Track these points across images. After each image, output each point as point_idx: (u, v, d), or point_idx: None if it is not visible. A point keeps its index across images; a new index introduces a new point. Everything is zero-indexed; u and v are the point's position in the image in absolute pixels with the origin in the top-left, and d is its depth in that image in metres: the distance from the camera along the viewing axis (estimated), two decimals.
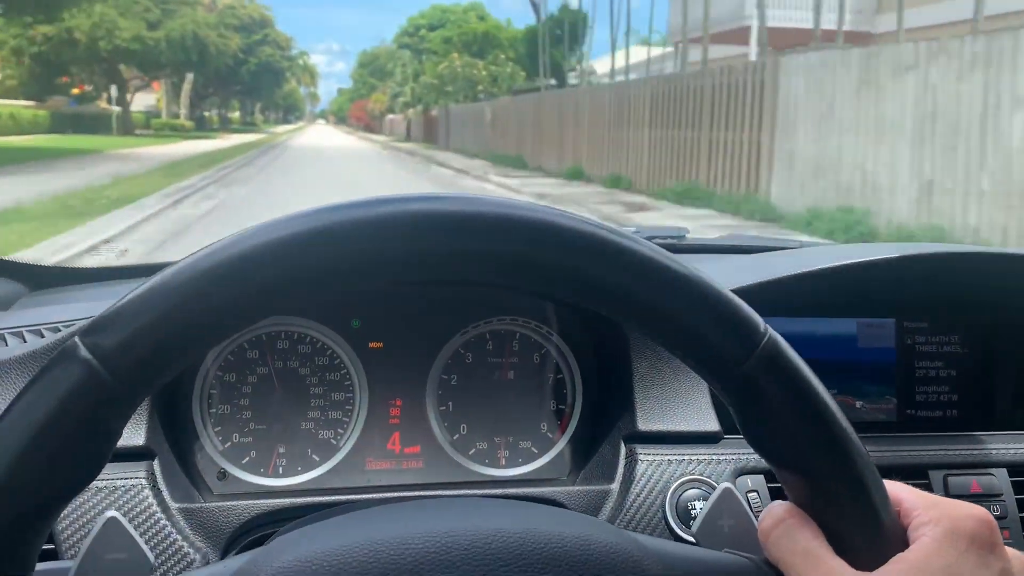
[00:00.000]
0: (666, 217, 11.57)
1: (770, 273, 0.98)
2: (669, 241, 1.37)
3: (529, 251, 0.47)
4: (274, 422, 0.95)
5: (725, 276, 0.95)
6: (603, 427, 0.98)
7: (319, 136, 60.20)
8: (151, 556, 0.58)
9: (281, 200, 11.61)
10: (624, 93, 16.48)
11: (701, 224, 9.81)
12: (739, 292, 0.50)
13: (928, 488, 0.93)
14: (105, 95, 42.66)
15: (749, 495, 0.88)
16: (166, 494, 0.83)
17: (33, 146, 26.36)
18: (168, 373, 0.46)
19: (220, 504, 0.86)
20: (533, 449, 0.99)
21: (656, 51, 23.27)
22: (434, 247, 0.46)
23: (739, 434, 0.52)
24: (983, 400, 1.08)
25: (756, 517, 0.59)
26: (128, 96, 44.06)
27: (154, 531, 0.80)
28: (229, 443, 0.94)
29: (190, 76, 50.68)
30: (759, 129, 11.42)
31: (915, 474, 0.94)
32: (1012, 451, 0.98)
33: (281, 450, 0.95)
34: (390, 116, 68.73)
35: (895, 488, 0.54)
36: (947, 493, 0.94)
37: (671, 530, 0.85)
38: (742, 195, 11.58)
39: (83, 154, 23.66)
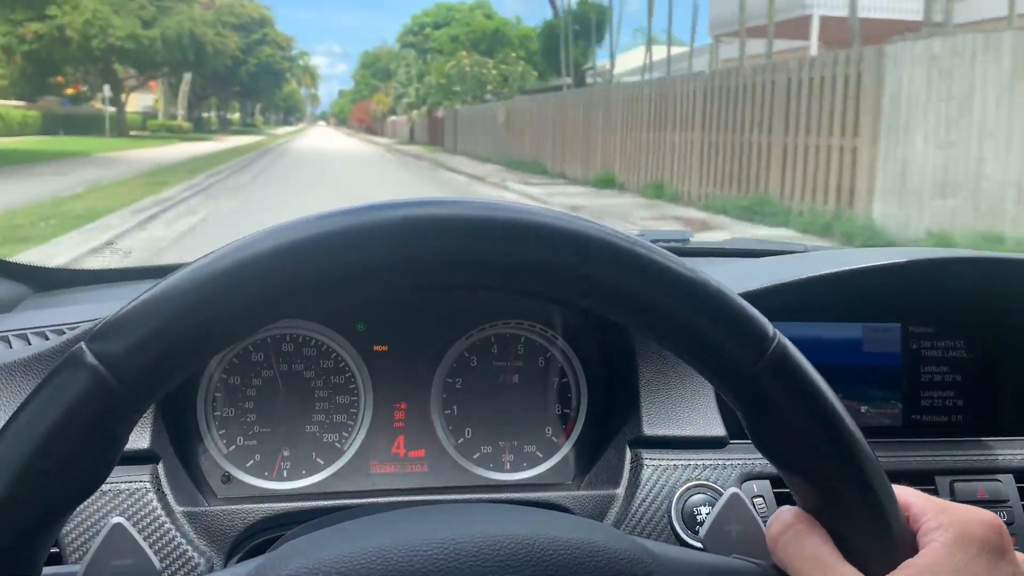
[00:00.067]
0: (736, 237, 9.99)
1: (776, 277, 0.98)
2: (673, 244, 1.37)
3: (538, 256, 0.47)
4: (278, 425, 0.95)
5: (731, 280, 0.95)
6: (608, 431, 0.98)
7: (320, 138, 59.36)
8: (157, 562, 0.58)
9: (272, 217, 9.61)
10: (667, 90, 14.27)
11: None
12: (745, 296, 0.50)
13: (935, 494, 0.93)
14: (100, 95, 41.29)
15: (755, 500, 0.88)
16: (170, 498, 0.83)
17: (16, 148, 24.75)
18: (175, 379, 0.46)
19: (224, 508, 0.86)
20: (538, 453, 0.99)
21: (672, 49, 22.24)
22: (444, 251, 0.46)
23: (745, 439, 0.52)
24: (989, 405, 1.07)
25: (763, 523, 0.59)
26: (123, 96, 42.81)
27: (158, 535, 0.80)
28: (233, 446, 0.94)
29: (188, 76, 49.37)
30: (854, 133, 9.37)
31: (921, 480, 0.94)
32: (1019, 457, 0.98)
33: (285, 453, 0.95)
34: (392, 118, 67.63)
35: (904, 493, 0.54)
36: (953, 499, 0.94)
37: (676, 535, 0.85)
38: (831, 212, 9.51)
39: (68, 157, 22.11)
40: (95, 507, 0.79)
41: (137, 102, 60.21)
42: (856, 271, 0.97)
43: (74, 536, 0.77)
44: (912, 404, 1.06)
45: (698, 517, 0.85)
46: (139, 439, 0.84)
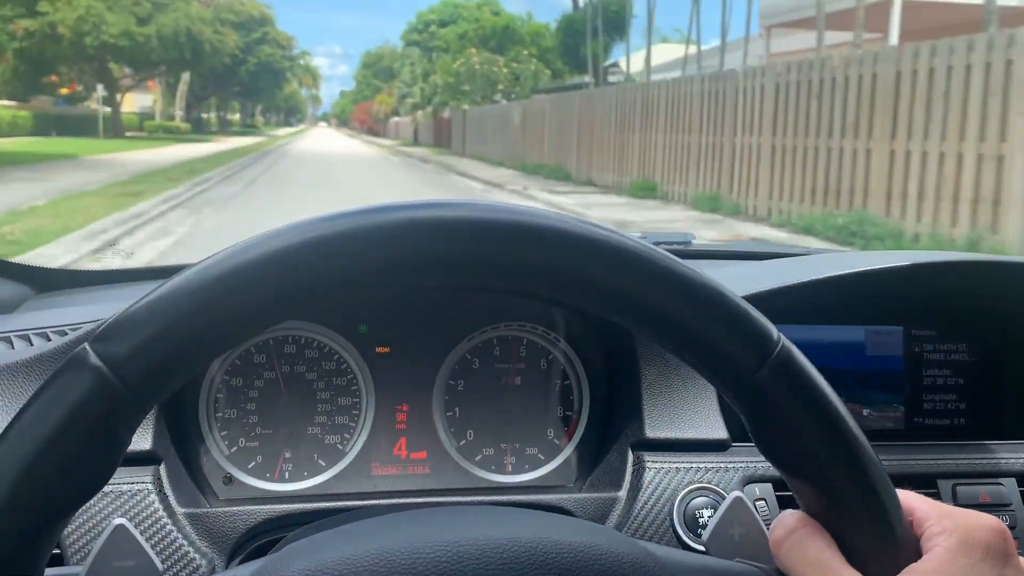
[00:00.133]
0: None
1: (778, 280, 0.98)
2: (676, 247, 1.37)
3: (541, 258, 0.47)
4: (280, 427, 0.95)
5: (734, 283, 0.95)
6: (610, 434, 0.98)
7: (321, 139, 58.47)
8: (159, 563, 0.58)
9: None
10: (723, 86, 12.13)
11: None
12: (748, 299, 0.50)
13: (937, 498, 0.93)
14: (95, 95, 39.93)
15: (758, 504, 0.88)
16: (172, 499, 0.83)
17: None
18: (179, 380, 0.46)
19: (226, 509, 0.85)
20: (540, 455, 0.99)
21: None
22: (446, 253, 0.46)
23: (747, 442, 0.52)
24: (991, 409, 1.07)
25: (766, 526, 0.59)
26: (118, 96, 41.33)
27: (160, 536, 0.80)
28: (235, 448, 0.94)
29: (186, 76, 47.90)
30: (999, 137, 7.43)
31: (924, 483, 0.94)
32: (1021, 460, 0.98)
33: (287, 455, 0.95)
34: (395, 119, 66.63)
35: (908, 497, 0.54)
36: (956, 503, 0.93)
37: (679, 538, 0.85)
38: (965, 237, 7.64)
39: (53, 160, 20.24)
40: (97, 508, 0.79)
41: (135, 102, 59.10)
42: (859, 274, 0.97)
43: (76, 537, 0.77)
44: (914, 407, 1.06)
45: (700, 520, 0.85)
46: (141, 440, 0.84)
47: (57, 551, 0.76)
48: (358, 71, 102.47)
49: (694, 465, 0.90)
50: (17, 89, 37.85)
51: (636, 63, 24.87)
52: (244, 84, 58.45)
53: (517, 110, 24.24)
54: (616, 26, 26.34)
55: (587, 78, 24.62)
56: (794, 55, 13.78)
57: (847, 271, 0.97)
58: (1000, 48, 7.49)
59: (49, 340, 0.94)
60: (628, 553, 0.49)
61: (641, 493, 0.88)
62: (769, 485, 0.89)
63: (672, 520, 0.86)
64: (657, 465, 0.90)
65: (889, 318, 1.06)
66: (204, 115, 63.00)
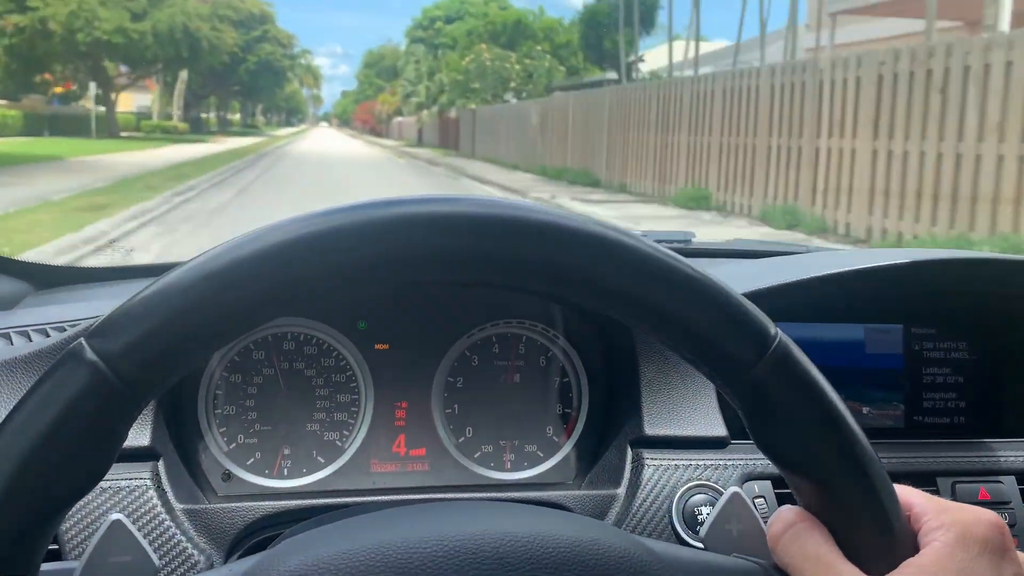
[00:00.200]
0: None
1: (778, 278, 0.98)
2: (676, 245, 1.37)
3: (539, 253, 0.46)
4: (279, 423, 0.95)
5: (733, 280, 0.94)
6: (609, 431, 0.98)
7: (322, 139, 57.58)
8: (155, 559, 0.58)
9: None
10: (802, 80, 10.15)
11: None
12: (747, 296, 0.50)
13: (936, 495, 0.93)
14: (89, 94, 38.19)
15: (756, 501, 0.88)
16: (171, 495, 0.83)
17: None
18: (175, 375, 0.46)
19: (225, 505, 0.85)
20: (539, 453, 0.99)
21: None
22: (442, 248, 0.46)
23: (746, 439, 0.52)
24: (991, 407, 1.07)
25: (764, 523, 0.59)
26: (113, 95, 39.66)
27: (158, 532, 0.80)
28: (234, 444, 0.94)
29: (183, 74, 46.20)
30: None
31: (923, 481, 0.94)
32: (1021, 458, 0.98)
33: (286, 451, 0.95)
34: (398, 119, 65.67)
35: (906, 492, 0.54)
36: (955, 500, 0.93)
37: (677, 535, 0.85)
38: None
39: (35, 162, 18.82)
40: (95, 504, 0.79)
41: (133, 102, 58.19)
42: (858, 272, 0.97)
43: (74, 533, 0.77)
44: (914, 405, 1.06)
45: (699, 517, 0.85)
46: (139, 436, 0.84)
47: (55, 547, 0.76)
48: (360, 70, 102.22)
49: (693, 462, 0.90)
50: (8, 87, 36.35)
51: (656, 60, 23.12)
52: (244, 83, 57.12)
53: (535, 109, 22.45)
54: (644, 18, 23.49)
55: (610, 74, 23.18)
56: (856, 46, 11.95)
57: (846, 269, 0.97)
58: None
59: (48, 336, 0.94)
60: (625, 548, 0.49)
61: (640, 490, 0.88)
62: (768, 482, 0.89)
63: (671, 517, 0.86)
64: (656, 462, 0.90)
65: (889, 316, 1.06)
66: (203, 115, 61.32)
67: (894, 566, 0.50)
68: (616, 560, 0.48)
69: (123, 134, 39.15)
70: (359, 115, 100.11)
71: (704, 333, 0.48)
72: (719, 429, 0.93)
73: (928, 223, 7.99)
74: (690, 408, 0.94)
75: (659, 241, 0.50)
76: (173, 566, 0.79)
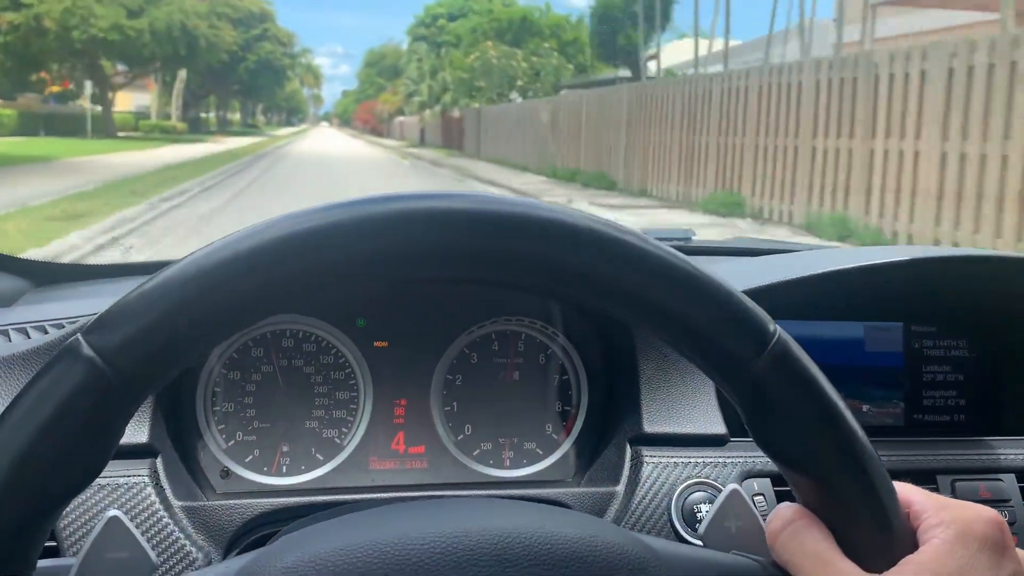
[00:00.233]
0: None
1: (777, 276, 0.98)
2: (676, 243, 1.37)
3: (537, 250, 0.46)
4: (278, 420, 0.95)
5: (733, 278, 0.94)
6: (608, 429, 0.98)
7: (323, 139, 56.87)
8: (153, 555, 0.58)
9: None
10: (853, 74, 9.02)
11: None
12: (747, 294, 0.50)
13: (936, 493, 0.93)
14: (86, 93, 37.78)
15: (755, 498, 0.88)
16: (169, 492, 0.83)
17: None
18: (172, 371, 0.46)
19: (223, 503, 0.85)
20: (538, 450, 0.99)
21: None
22: (440, 245, 0.46)
23: (745, 437, 0.52)
24: (991, 405, 1.07)
25: (763, 520, 0.59)
26: (110, 94, 38.90)
27: (156, 529, 0.80)
28: (233, 441, 0.94)
29: (182, 73, 45.35)
30: None
31: (923, 479, 0.94)
32: (1021, 456, 0.98)
33: (285, 449, 0.94)
34: (400, 118, 64.46)
35: (905, 490, 0.54)
36: (955, 498, 0.93)
37: (676, 533, 0.85)
38: None
39: (28, 163, 18.29)
40: (93, 501, 0.79)
41: (132, 101, 57.54)
42: (858, 269, 0.97)
43: (72, 530, 0.77)
44: (914, 403, 1.06)
45: (698, 515, 0.85)
46: (138, 433, 0.84)
47: (53, 543, 0.76)
48: (361, 69, 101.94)
49: (692, 460, 0.90)
50: (3, 86, 35.70)
51: (667, 57, 22.12)
52: (244, 82, 56.15)
53: (545, 107, 21.30)
54: (661, 14, 21.92)
55: (622, 71, 22.16)
56: (892, 41, 11.08)
57: (846, 267, 0.97)
58: None
59: (46, 333, 0.94)
60: (624, 545, 0.49)
61: (639, 488, 0.88)
62: (767, 480, 0.89)
63: (670, 515, 0.86)
64: (655, 460, 0.90)
65: (889, 314, 1.05)
66: (203, 114, 60.17)
67: (893, 563, 0.49)
68: (615, 557, 0.48)
69: (121, 134, 38.53)
70: (360, 115, 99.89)
71: (703, 330, 0.48)
72: (718, 427, 0.93)
73: (1013, 237, 6.86)
74: (689, 405, 0.94)
75: (658, 239, 0.50)
76: (171, 563, 0.79)
